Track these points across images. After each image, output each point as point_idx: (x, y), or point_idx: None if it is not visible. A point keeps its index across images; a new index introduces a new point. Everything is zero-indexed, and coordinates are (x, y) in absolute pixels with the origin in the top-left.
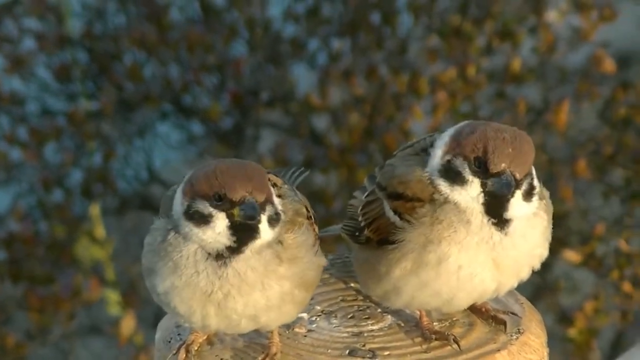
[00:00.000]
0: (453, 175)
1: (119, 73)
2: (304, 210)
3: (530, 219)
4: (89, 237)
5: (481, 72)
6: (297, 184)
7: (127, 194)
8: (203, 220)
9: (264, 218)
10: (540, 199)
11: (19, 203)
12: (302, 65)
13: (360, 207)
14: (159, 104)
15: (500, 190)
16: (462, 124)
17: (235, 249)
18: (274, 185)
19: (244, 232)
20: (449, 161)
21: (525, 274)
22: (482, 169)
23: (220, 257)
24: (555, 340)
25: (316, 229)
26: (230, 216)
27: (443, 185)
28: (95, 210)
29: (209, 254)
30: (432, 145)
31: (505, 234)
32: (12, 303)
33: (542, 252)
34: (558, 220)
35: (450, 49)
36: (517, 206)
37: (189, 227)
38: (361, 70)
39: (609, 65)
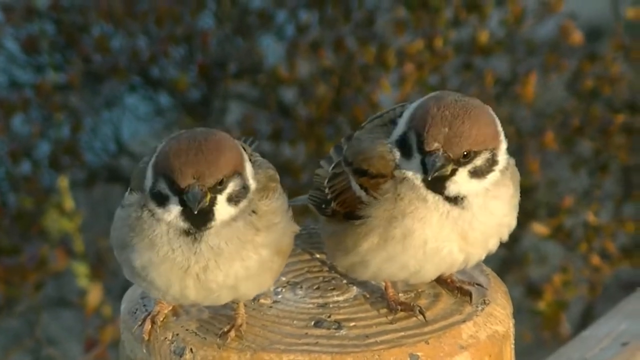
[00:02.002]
0: (405, 149)
1: (87, 45)
2: (277, 175)
3: (492, 190)
4: (58, 209)
5: (449, 44)
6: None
7: (96, 166)
8: (162, 201)
9: (221, 198)
10: (506, 168)
11: None
12: (270, 37)
13: (327, 179)
14: (126, 76)
15: (429, 170)
16: (431, 95)
17: (194, 231)
18: (245, 150)
19: (196, 217)
20: (405, 133)
21: (493, 245)
22: (422, 145)
23: (190, 233)
24: (524, 313)
25: (286, 197)
26: (181, 201)
27: (398, 159)
28: (63, 182)
29: (181, 232)
30: (400, 115)
31: (462, 208)
32: None
33: (510, 221)
34: (526, 193)
35: (418, 21)
36: (461, 184)
37: (153, 206)
38: (329, 43)
39: (576, 37)
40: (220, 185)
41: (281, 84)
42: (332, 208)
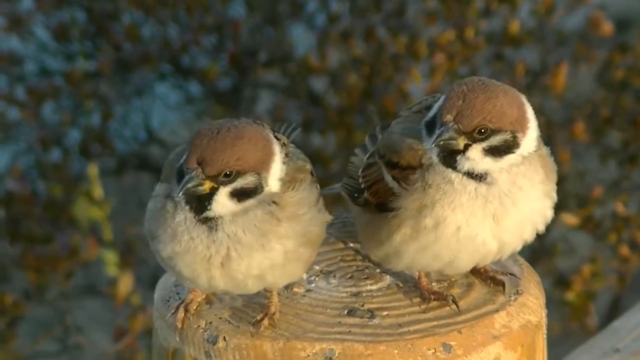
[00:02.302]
0: (430, 128)
1: (117, 33)
2: (308, 166)
3: (517, 170)
4: (87, 197)
5: (479, 35)
6: (290, 140)
7: (125, 154)
8: (180, 178)
9: (223, 190)
10: (534, 154)
11: (17, 162)
12: (301, 26)
13: (361, 169)
14: (157, 64)
15: (436, 140)
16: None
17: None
18: (284, 144)
19: (193, 202)
20: (434, 114)
21: (528, 235)
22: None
23: (207, 222)
24: (552, 304)
25: (318, 187)
26: None
27: (425, 141)
28: (93, 170)
29: (197, 220)
30: (427, 107)
31: (488, 184)
32: (10, 262)
33: (544, 210)
34: (555, 183)
35: (449, 11)
36: (476, 161)
37: (174, 182)
38: (360, 32)
39: (606, 28)
40: (226, 178)
41: (311, 73)
42: (364, 197)
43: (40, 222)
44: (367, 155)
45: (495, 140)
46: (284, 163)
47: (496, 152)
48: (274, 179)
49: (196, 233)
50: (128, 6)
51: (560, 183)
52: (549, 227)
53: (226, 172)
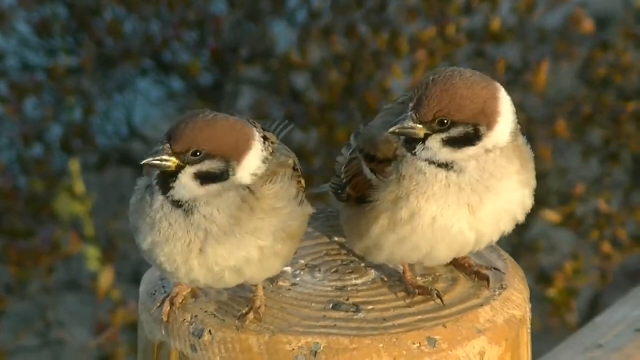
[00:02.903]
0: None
1: (99, 28)
2: (290, 161)
3: (488, 156)
4: (69, 192)
5: (461, 32)
6: (280, 138)
7: (107, 150)
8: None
9: (188, 170)
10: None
11: None
12: (282, 22)
13: (344, 165)
14: (139, 60)
15: (393, 126)
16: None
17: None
18: (272, 142)
19: (162, 180)
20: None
21: (506, 225)
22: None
23: (181, 206)
24: (534, 300)
25: (302, 182)
26: None
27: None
28: (75, 165)
29: (172, 205)
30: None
31: (457, 172)
32: None
33: (522, 199)
34: (537, 180)
35: (430, 8)
36: (434, 151)
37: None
38: (341, 29)
39: (587, 25)
40: (194, 157)
41: (293, 70)
42: (347, 193)
43: (22, 216)
44: (350, 151)
45: (455, 132)
46: (264, 162)
47: (455, 143)
48: (245, 172)
49: (174, 219)
50: (110, 2)
51: (542, 180)
52: (530, 224)
53: (194, 151)
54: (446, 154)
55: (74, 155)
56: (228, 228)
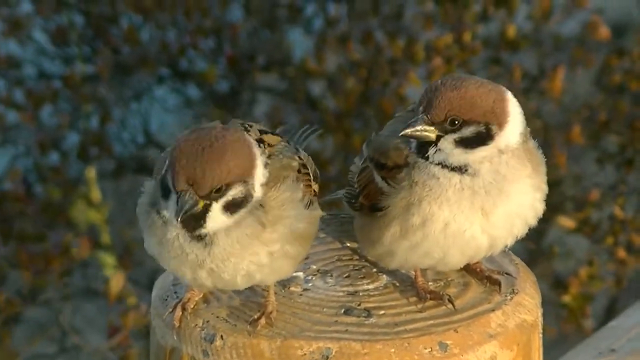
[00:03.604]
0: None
1: (116, 36)
2: (294, 163)
3: (500, 158)
4: (85, 200)
5: (477, 39)
6: (307, 142)
7: (124, 158)
8: (166, 193)
9: (216, 206)
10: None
11: (16, 165)
12: (299, 30)
13: (356, 175)
14: (155, 67)
15: (404, 130)
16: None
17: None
18: (269, 145)
19: (187, 221)
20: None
21: (519, 229)
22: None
23: (201, 239)
24: (549, 306)
25: (313, 185)
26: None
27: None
28: (91, 173)
29: (190, 237)
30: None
31: (471, 175)
32: (5, 262)
33: (534, 203)
34: (552, 187)
35: (446, 15)
36: (447, 153)
37: (160, 195)
38: (357, 36)
39: (603, 32)
40: (217, 193)
41: (309, 77)
42: (359, 202)
43: (35, 221)
44: (362, 160)
45: (467, 131)
46: (265, 166)
47: (468, 143)
48: (258, 185)
49: (190, 248)
50: (126, 9)
51: (557, 186)
52: (545, 230)
53: (218, 188)
54: (459, 155)
55: (90, 163)
56: (244, 252)
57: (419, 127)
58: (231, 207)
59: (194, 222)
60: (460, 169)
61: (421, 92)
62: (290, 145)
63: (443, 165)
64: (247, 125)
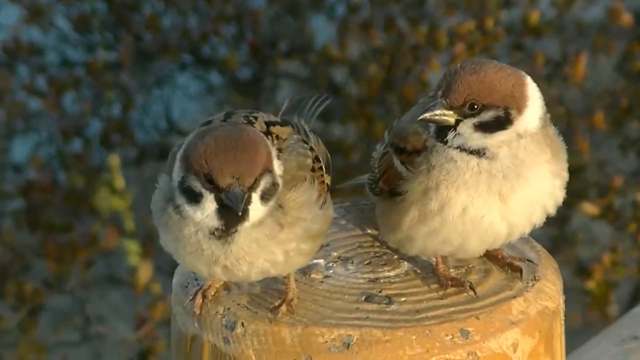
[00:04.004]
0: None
1: (138, 23)
2: (309, 161)
3: (519, 143)
4: (108, 187)
5: (499, 25)
6: (317, 114)
7: (146, 144)
8: (194, 198)
9: (255, 197)
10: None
11: (38, 153)
12: (321, 16)
13: (377, 160)
14: (177, 54)
15: (423, 114)
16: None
17: (225, 230)
18: (277, 137)
19: (231, 217)
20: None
21: (537, 217)
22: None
23: (221, 236)
24: (573, 293)
25: (326, 179)
26: (218, 199)
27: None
28: (114, 160)
29: (211, 234)
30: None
31: (489, 158)
32: (30, 251)
33: (554, 190)
34: (575, 173)
35: (469, 1)
36: (466, 137)
37: (182, 201)
38: (380, 22)
39: (626, 18)
40: (255, 184)
41: (332, 63)
42: (379, 186)
43: (60, 211)
44: (383, 146)
45: (487, 115)
46: (278, 157)
47: (487, 127)
48: (278, 175)
49: (206, 245)
50: None
51: (580, 172)
52: (569, 217)
53: (264, 173)
54: (478, 140)
55: (113, 150)
56: (260, 252)
57: (437, 112)
58: (265, 196)
59: (238, 217)
60: (479, 153)
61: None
62: (300, 133)
63: (461, 149)
64: (252, 118)
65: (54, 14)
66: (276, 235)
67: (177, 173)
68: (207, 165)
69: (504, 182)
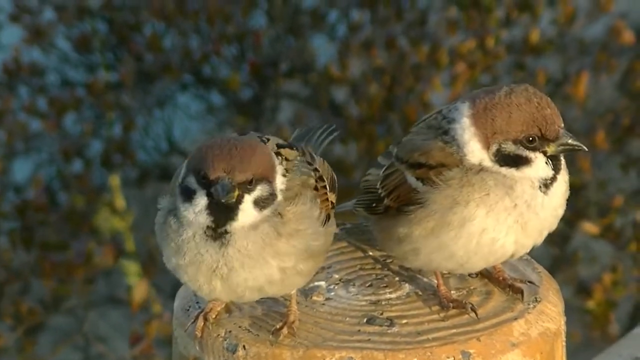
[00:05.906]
0: (510, 158)
1: (139, 44)
2: (312, 180)
3: (558, 178)
4: (109, 208)
5: (500, 44)
6: (325, 144)
7: (147, 165)
8: (189, 195)
9: (247, 198)
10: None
11: (39, 173)
12: (322, 36)
13: (379, 181)
14: (178, 74)
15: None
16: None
17: (215, 228)
18: (285, 159)
19: (220, 213)
20: (498, 150)
21: (542, 237)
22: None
23: (218, 238)
24: (573, 312)
25: (331, 197)
26: (208, 193)
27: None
28: (115, 180)
29: (208, 236)
30: (444, 119)
31: (546, 194)
32: (29, 271)
33: (562, 213)
34: (576, 192)
35: (470, 21)
36: (541, 170)
37: (180, 201)
38: (381, 42)
39: (627, 36)
40: (249, 185)
41: (333, 83)
42: (385, 204)
43: (57, 230)
44: (384, 168)
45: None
46: (284, 175)
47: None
48: (279, 189)
49: (205, 249)
50: (149, 17)
51: (582, 191)
52: (569, 236)
53: (250, 180)
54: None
55: (114, 171)
56: (258, 256)
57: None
58: (260, 203)
59: (226, 213)
60: (545, 185)
61: (447, 98)
62: (305, 155)
63: (539, 180)
64: (264, 139)
65: (54, 34)
66: (274, 242)
67: (180, 176)
68: (201, 160)
69: (534, 216)
